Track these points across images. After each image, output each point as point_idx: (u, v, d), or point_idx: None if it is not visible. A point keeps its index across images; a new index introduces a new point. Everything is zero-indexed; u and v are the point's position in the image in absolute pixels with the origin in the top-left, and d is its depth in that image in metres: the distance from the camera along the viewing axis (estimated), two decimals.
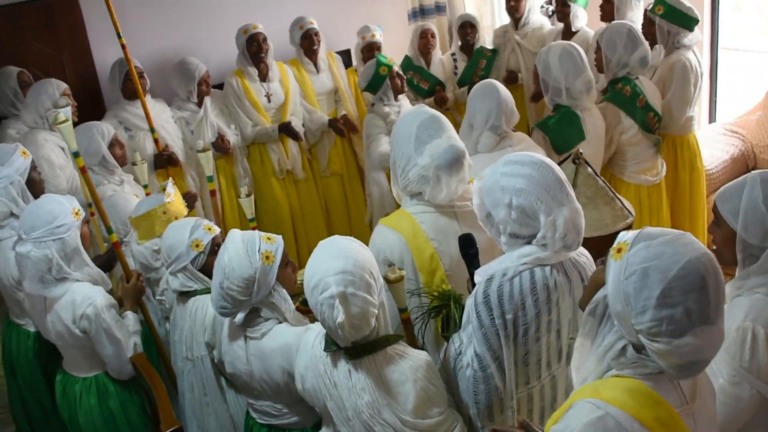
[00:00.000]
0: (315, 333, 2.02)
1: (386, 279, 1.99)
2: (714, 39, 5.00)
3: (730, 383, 1.87)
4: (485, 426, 1.95)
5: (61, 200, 2.69)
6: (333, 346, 1.90)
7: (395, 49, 5.13)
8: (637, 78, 3.69)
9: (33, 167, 3.14)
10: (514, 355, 1.89)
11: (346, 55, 5.16)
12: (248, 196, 3.14)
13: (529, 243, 1.87)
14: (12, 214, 3.03)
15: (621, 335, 1.40)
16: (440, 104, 4.72)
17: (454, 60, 5.01)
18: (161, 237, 2.71)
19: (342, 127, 4.69)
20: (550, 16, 5.09)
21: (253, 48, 4.47)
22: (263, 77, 4.57)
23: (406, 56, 4.93)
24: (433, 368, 1.92)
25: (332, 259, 1.85)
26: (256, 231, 2.22)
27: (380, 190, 4.27)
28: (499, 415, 1.94)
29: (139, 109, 4.00)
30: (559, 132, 3.48)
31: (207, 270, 2.55)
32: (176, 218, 3.05)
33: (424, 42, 4.84)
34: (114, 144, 3.53)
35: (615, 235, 1.46)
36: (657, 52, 3.97)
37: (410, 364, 1.88)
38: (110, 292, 2.82)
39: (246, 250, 2.12)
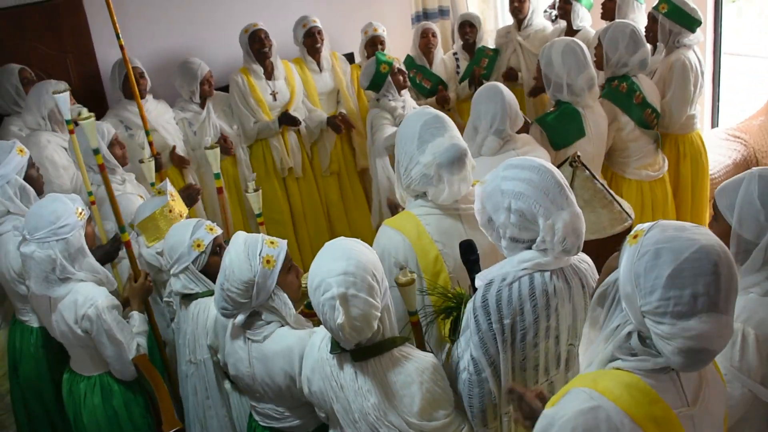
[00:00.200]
0: (321, 336, 2.03)
1: (397, 282, 1.99)
2: (717, 43, 5.00)
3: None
4: (479, 431, 1.95)
5: (65, 200, 2.69)
6: (339, 348, 1.90)
7: (398, 53, 5.13)
8: (635, 76, 3.70)
9: (31, 164, 3.15)
10: (512, 361, 1.89)
11: (349, 59, 5.16)
12: (256, 191, 3.14)
13: (530, 248, 1.87)
14: (9, 212, 3.05)
15: (628, 319, 1.41)
16: (442, 104, 4.74)
17: (456, 59, 5.03)
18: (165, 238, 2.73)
19: (340, 124, 4.69)
20: (553, 20, 5.09)
21: (256, 45, 4.49)
22: (269, 75, 4.58)
23: (408, 56, 4.95)
24: (439, 370, 1.93)
25: (335, 261, 1.85)
26: (261, 234, 2.22)
27: (386, 173, 4.26)
28: (492, 420, 1.95)
29: None
30: (557, 128, 3.47)
31: (209, 271, 2.56)
32: (181, 215, 3.06)
33: (425, 41, 4.85)
34: (114, 144, 3.53)
35: (613, 238, 1.47)
36: (658, 52, 3.98)
37: (416, 366, 1.89)
38: (114, 292, 2.82)
39: (247, 254, 2.13)
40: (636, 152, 3.77)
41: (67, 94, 2.99)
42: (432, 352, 2.15)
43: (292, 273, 2.24)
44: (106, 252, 3.03)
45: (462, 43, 4.96)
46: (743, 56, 6.04)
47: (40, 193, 3.19)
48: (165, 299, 3.01)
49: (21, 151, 3.10)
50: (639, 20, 4.21)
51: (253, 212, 4.66)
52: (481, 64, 4.82)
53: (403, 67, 4.42)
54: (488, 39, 5.36)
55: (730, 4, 6.61)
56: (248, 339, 2.22)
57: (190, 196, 3.51)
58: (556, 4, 4.76)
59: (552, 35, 4.68)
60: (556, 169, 1.90)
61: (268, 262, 2.13)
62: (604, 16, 4.45)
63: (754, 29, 6.89)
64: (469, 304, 1.90)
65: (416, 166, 2.29)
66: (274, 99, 4.59)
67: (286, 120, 4.57)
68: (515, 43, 4.81)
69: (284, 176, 4.72)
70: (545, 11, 5.34)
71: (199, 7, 4.90)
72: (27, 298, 3.07)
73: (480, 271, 2.01)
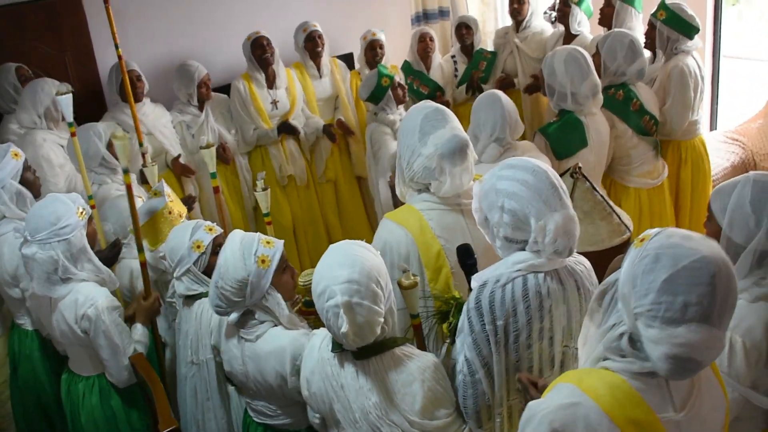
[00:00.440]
0: (321, 336, 2.03)
1: (399, 285, 1.99)
2: (716, 47, 4.99)
3: None
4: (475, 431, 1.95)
5: (65, 200, 2.68)
6: (340, 347, 1.91)
7: (398, 54, 5.15)
8: (632, 84, 3.70)
9: (26, 167, 3.14)
10: (505, 362, 1.89)
11: (348, 59, 5.17)
12: (264, 190, 3.14)
13: (524, 249, 1.87)
14: (5, 217, 3.04)
15: (623, 320, 1.41)
16: None
17: (455, 62, 5.03)
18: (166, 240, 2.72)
19: (335, 133, 4.69)
20: (553, 22, 5.09)
21: (258, 51, 4.49)
22: (270, 84, 4.59)
23: (406, 61, 4.96)
24: (440, 369, 1.93)
25: (340, 267, 1.85)
26: (257, 233, 2.23)
27: (389, 191, 4.26)
28: (486, 421, 1.94)
29: (138, 112, 4.00)
30: (560, 138, 3.48)
31: (211, 272, 2.55)
32: (180, 215, 3.06)
33: (423, 46, 4.86)
34: (111, 144, 3.53)
35: (611, 250, 1.48)
36: (658, 59, 3.98)
37: (418, 365, 1.89)
38: (114, 293, 2.82)
39: (242, 253, 2.13)
40: (637, 159, 3.77)
41: (70, 96, 2.99)
42: (432, 352, 2.15)
43: (287, 273, 2.24)
44: (105, 257, 3.02)
45: (459, 45, 4.96)
46: (743, 59, 6.04)
47: (37, 195, 3.17)
48: (168, 299, 3.01)
49: (16, 155, 3.08)
50: (636, 28, 4.21)
51: (252, 215, 4.70)
52: (479, 67, 4.83)
53: (404, 82, 4.42)
54: (488, 41, 5.37)
55: (731, 7, 6.62)
56: (241, 338, 2.23)
57: (186, 203, 3.51)
58: (556, 6, 4.76)
59: (549, 39, 4.69)
60: (553, 170, 1.90)
61: (263, 261, 2.13)
62: (601, 23, 4.44)
63: (755, 32, 6.89)
64: (465, 306, 1.90)
65: (418, 158, 2.30)
66: (275, 108, 4.59)
67: (286, 129, 4.58)
68: (512, 44, 4.82)
69: (284, 184, 4.71)
70: (545, 12, 5.34)
71: (197, 9, 4.89)
72: (21, 302, 3.06)
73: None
